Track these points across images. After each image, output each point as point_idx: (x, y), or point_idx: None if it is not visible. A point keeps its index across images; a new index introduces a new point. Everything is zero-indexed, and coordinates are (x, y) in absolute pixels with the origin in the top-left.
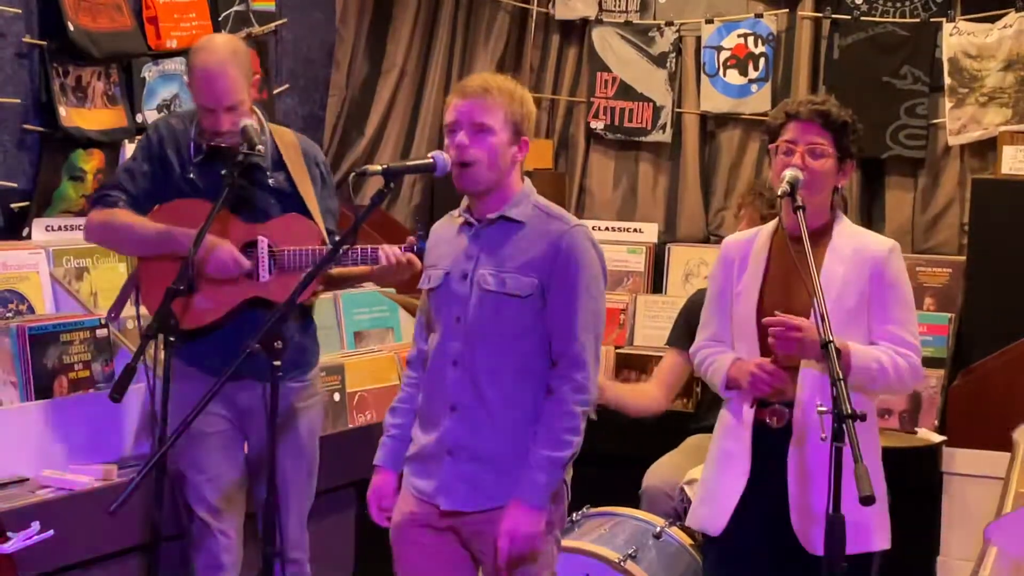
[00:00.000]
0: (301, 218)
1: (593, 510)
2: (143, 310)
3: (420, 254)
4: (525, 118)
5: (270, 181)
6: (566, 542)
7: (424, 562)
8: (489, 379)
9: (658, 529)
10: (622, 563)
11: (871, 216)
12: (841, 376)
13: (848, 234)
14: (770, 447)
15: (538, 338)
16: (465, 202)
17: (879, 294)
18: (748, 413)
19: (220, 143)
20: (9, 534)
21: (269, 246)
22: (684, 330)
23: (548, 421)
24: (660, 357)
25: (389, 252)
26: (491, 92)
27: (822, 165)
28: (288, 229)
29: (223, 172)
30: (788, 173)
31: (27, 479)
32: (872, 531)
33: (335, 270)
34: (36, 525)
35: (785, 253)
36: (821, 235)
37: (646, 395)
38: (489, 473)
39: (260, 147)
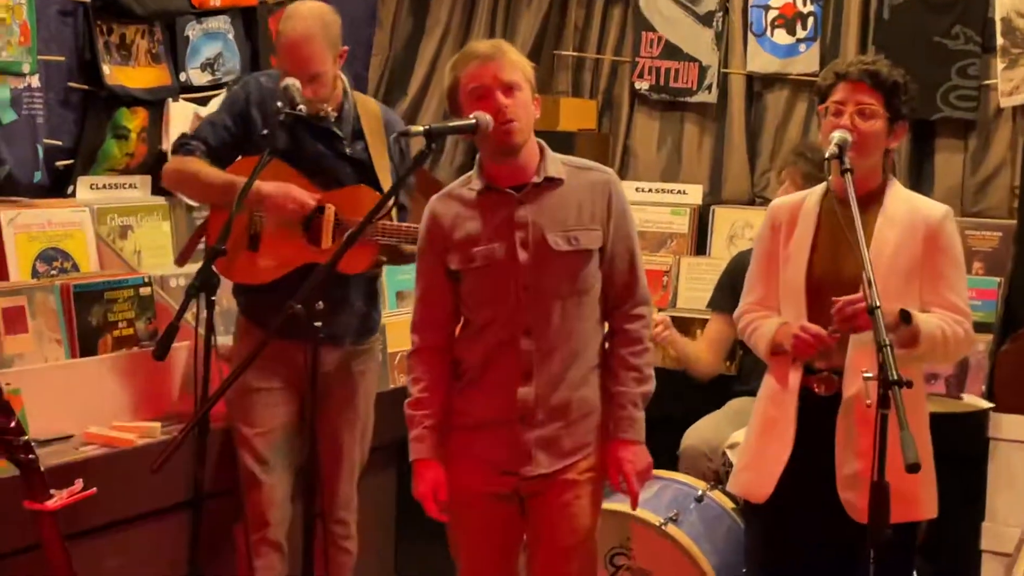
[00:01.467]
0: (370, 190)
1: None
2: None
3: None
4: (533, 76)
5: (347, 151)
6: (608, 504)
7: (487, 529)
8: (564, 341)
9: (700, 493)
10: (663, 526)
11: (920, 179)
12: (888, 342)
13: (901, 199)
14: (817, 415)
15: (599, 288)
16: (477, 175)
17: (932, 260)
18: (794, 380)
19: (300, 112)
20: (52, 491)
21: (336, 214)
22: (727, 293)
23: (628, 360)
24: (704, 320)
25: None
26: (505, 52)
27: (871, 126)
28: (356, 199)
29: (264, 132)
30: (836, 135)
31: (71, 436)
32: (919, 500)
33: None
34: (79, 483)
35: (835, 217)
36: (873, 200)
37: (705, 354)
38: (565, 432)
39: (301, 107)
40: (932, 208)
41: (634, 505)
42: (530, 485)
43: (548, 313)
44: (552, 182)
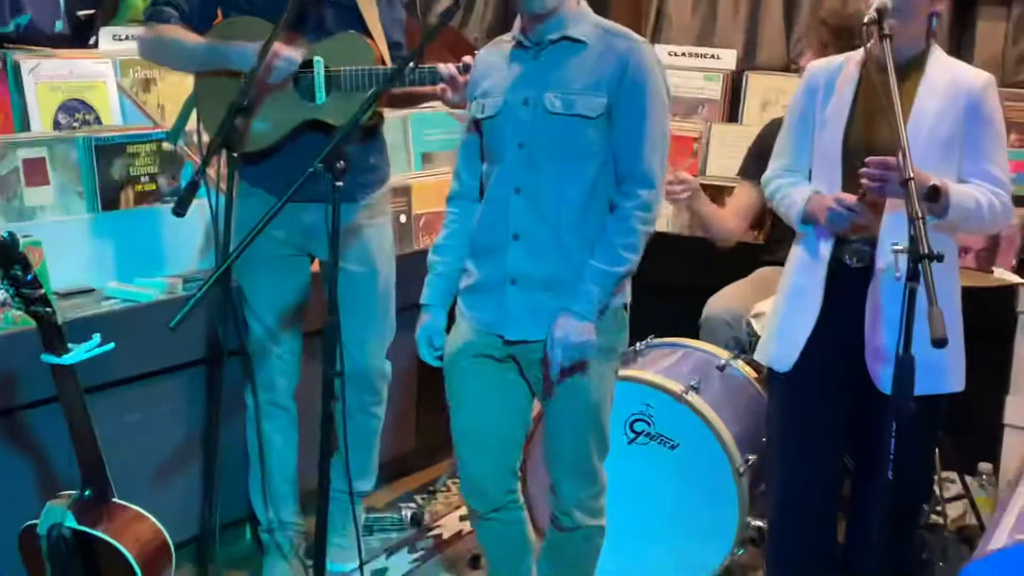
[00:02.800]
0: (358, 36)
1: (657, 340)
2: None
3: None
4: None
5: None
6: (628, 371)
7: (483, 391)
8: (554, 205)
9: (723, 361)
10: (684, 394)
11: (960, 47)
12: (921, 214)
13: (943, 67)
14: (846, 286)
15: (603, 161)
16: (518, 26)
17: (973, 130)
18: (825, 249)
19: None
20: (70, 345)
21: (325, 67)
22: (758, 161)
23: (607, 236)
24: (733, 188)
25: (453, 70)
26: None
27: None
28: (344, 48)
29: None
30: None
31: (92, 290)
32: (945, 372)
33: (396, 89)
34: (97, 337)
35: (873, 85)
36: (914, 67)
37: (727, 220)
38: (554, 300)
39: None
40: (975, 76)
41: (547, 387)
42: (522, 352)
43: (540, 174)
44: (574, 43)
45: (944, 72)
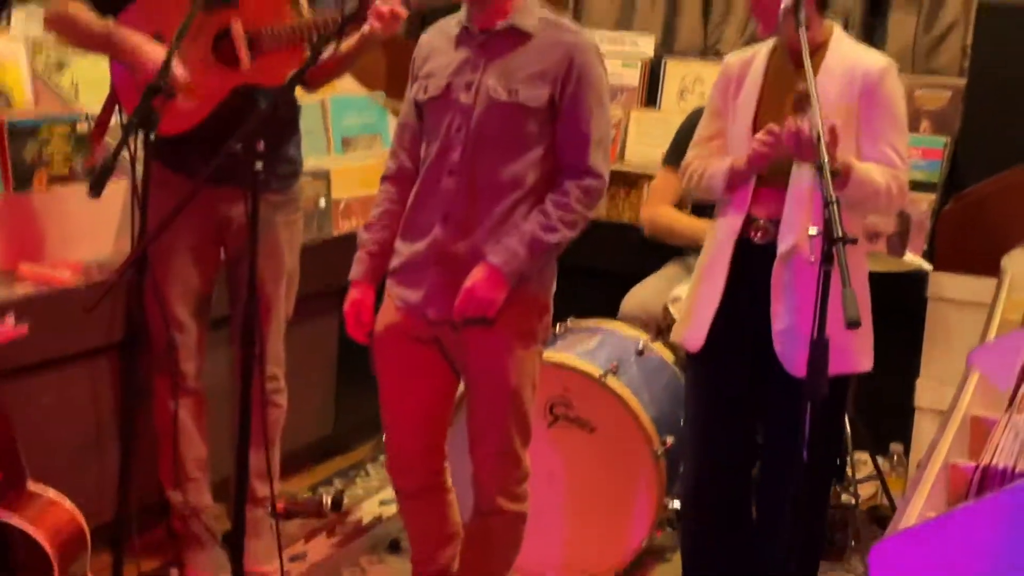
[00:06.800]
0: None
1: (576, 323)
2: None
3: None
4: None
5: None
6: (548, 355)
7: (407, 372)
8: (487, 189)
9: (640, 345)
10: (603, 379)
11: (873, 36)
12: (835, 199)
13: (842, 52)
14: (753, 264)
15: (542, 152)
16: (463, 11)
17: (869, 113)
18: (733, 225)
19: None
20: None
21: (245, 30)
22: (682, 148)
23: (544, 207)
24: (651, 176)
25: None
26: None
27: None
28: (261, 7)
29: None
30: None
31: (5, 272)
32: (854, 352)
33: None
34: (11, 320)
35: (782, 72)
36: (814, 54)
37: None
38: None
39: None
40: (872, 61)
41: (457, 315)
42: (446, 332)
43: (476, 158)
44: (519, 32)
45: (843, 58)
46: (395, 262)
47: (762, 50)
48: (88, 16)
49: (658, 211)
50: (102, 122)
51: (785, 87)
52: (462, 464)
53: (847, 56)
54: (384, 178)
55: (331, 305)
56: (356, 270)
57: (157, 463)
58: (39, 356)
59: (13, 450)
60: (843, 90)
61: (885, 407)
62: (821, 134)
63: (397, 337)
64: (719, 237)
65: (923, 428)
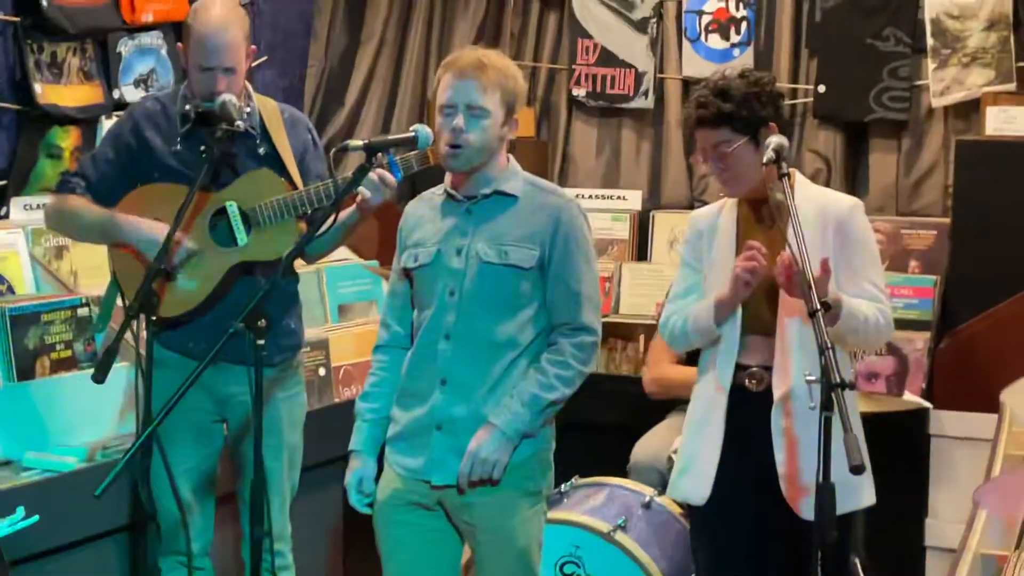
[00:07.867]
0: (264, 172)
1: (582, 481)
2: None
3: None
4: (518, 97)
5: (260, 150)
6: (555, 513)
7: (411, 540)
8: (484, 351)
9: (647, 499)
10: (612, 533)
11: (855, 179)
12: (830, 345)
13: (809, 198)
14: (749, 412)
15: (535, 311)
16: (448, 180)
17: (845, 252)
18: (725, 377)
19: (238, 128)
20: None
21: (240, 207)
22: None
23: (541, 365)
24: (646, 325)
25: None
26: (487, 71)
27: (735, 158)
28: (257, 185)
29: (202, 148)
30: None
31: (10, 462)
32: (856, 489)
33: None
34: (21, 510)
35: (751, 223)
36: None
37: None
38: None
39: (239, 123)
40: (839, 202)
41: (460, 488)
42: (450, 497)
43: (472, 321)
44: (505, 197)
45: (812, 202)
46: (393, 430)
47: (728, 202)
48: (87, 206)
49: (664, 371)
50: (103, 318)
51: (758, 237)
52: None
53: (816, 199)
54: (377, 348)
55: (334, 474)
56: (355, 439)
57: None
58: (50, 543)
59: None
60: (816, 233)
61: (896, 547)
62: (812, 281)
63: (400, 506)
64: (708, 390)
65: (935, 568)
